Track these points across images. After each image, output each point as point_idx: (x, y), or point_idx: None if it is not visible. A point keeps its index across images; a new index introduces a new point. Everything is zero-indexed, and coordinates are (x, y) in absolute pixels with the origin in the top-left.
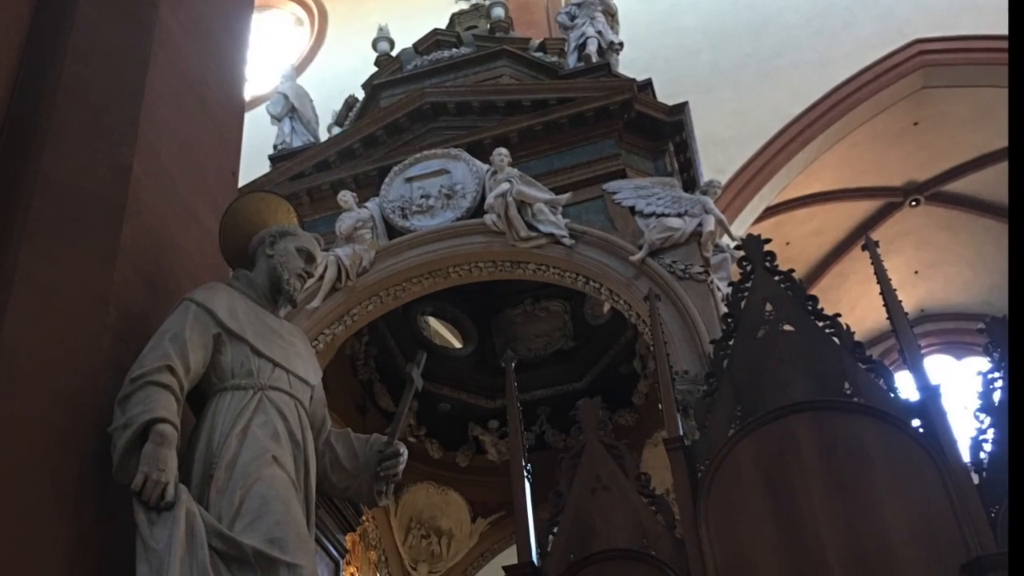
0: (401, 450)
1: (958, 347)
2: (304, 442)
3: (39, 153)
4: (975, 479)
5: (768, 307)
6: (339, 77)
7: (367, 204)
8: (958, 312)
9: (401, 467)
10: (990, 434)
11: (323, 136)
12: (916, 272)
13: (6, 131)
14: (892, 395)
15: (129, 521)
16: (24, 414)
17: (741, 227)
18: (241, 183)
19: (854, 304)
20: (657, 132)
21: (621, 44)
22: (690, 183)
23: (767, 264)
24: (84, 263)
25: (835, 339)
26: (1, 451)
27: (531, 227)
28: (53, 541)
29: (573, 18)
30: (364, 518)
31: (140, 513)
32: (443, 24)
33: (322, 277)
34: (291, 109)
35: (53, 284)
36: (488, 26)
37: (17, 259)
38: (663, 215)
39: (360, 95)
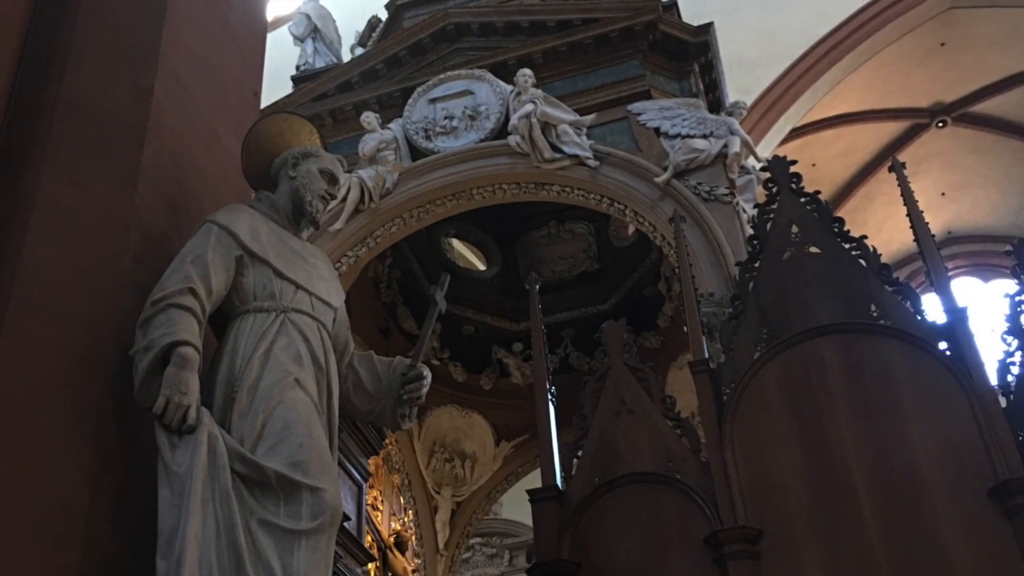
0: (424, 373)
1: (985, 269)
2: (327, 365)
3: (59, 76)
4: (1003, 402)
5: (794, 229)
6: None
7: (390, 125)
8: (985, 234)
9: (424, 390)
10: (1017, 357)
11: (346, 57)
12: (943, 194)
13: (26, 55)
14: (919, 318)
15: (151, 444)
16: (44, 337)
17: (767, 149)
18: (263, 105)
19: (880, 226)
20: (682, 53)
21: None
22: (715, 104)
23: (793, 186)
24: (105, 186)
25: (862, 261)
26: (22, 375)
27: (555, 148)
28: (74, 465)
29: None
30: (387, 442)
31: (162, 436)
32: None
33: (345, 199)
34: (313, 30)
35: (73, 207)
36: None
37: (37, 182)
38: (688, 136)
39: (383, 16)
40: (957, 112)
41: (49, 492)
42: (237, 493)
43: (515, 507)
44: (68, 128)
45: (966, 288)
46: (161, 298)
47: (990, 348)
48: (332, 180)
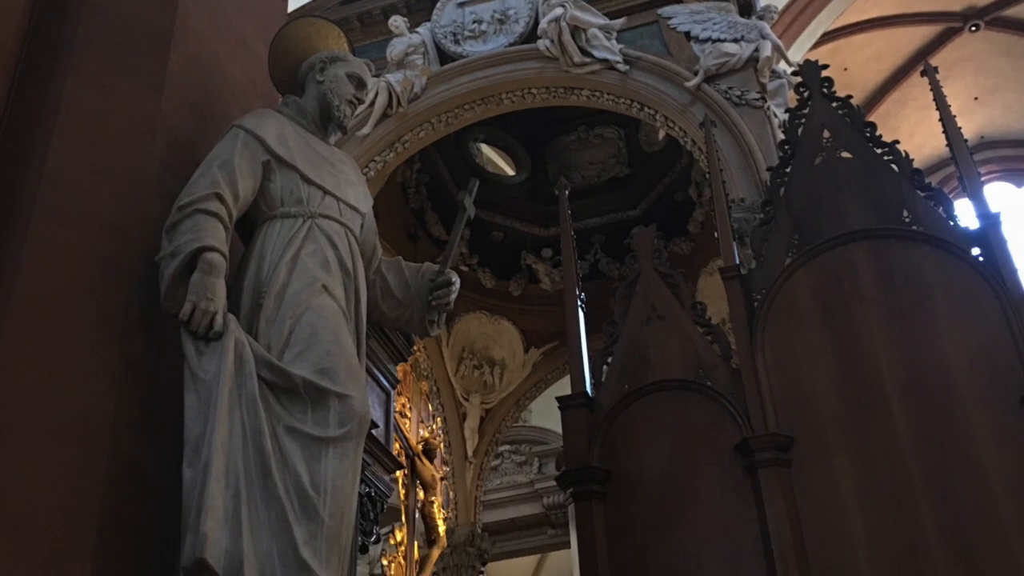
0: (453, 279)
1: (1018, 174)
2: (355, 270)
3: None
4: None
5: (826, 134)
6: None
7: (418, 29)
8: (1018, 139)
9: (453, 296)
10: None
11: None
12: (976, 98)
13: None
14: (951, 223)
15: (177, 351)
16: (71, 242)
17: (798, 53)
18: (290, 8)
19: (912, 131)
20: None
21: None
22: (746, 8)
23: (824, 90)
24: (131, 91)
25: (894, 166)
26: (49, 279)
27: (585, 52)
28: (100, 369)
29: None
30: (415, 348)
31: (188, 343)
32: None
33: (372, 103)
34: None
35: (99, 112)
36: None
37: (63, 87)
38: (719, 40)
39: None
40: (990, 16)
41: (74, 400)
42: (264, 400)
43: (544, 415)
44: (93, 32)
45: (999, 193)
46: (188, 203)
47: (1022, 255)
48: (360, 85)
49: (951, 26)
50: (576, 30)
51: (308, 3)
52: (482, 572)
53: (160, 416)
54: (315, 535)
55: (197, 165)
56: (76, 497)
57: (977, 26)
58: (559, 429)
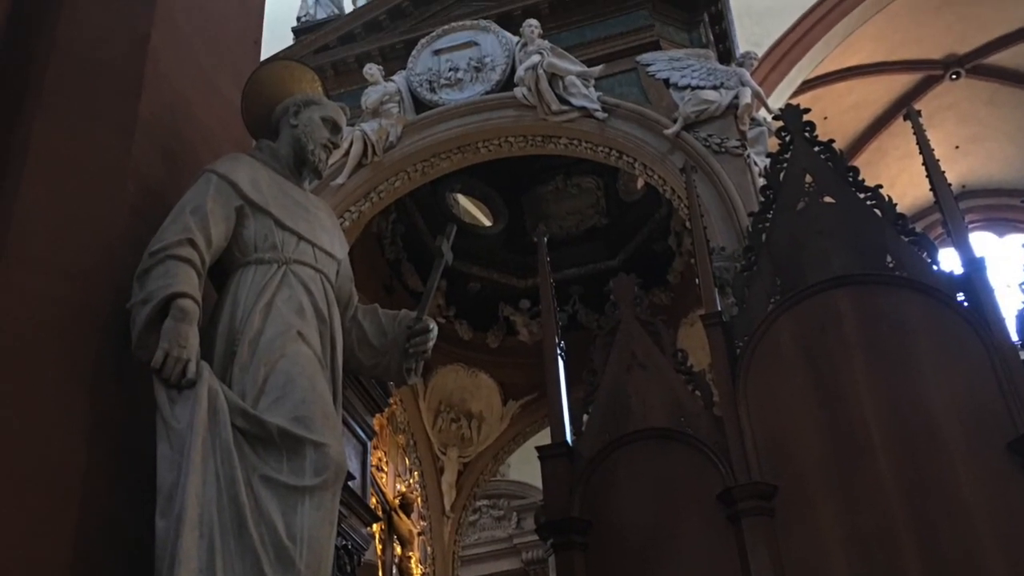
0: (431, 326)
1: (1000, 224)
2: (330, 317)
3: (53, 23)
4: (1022, 355)
5: (808, 178)
6: None
7: (394, 78)
8: (1000, 188)
9: (431, 343)
10: None
11: (348, 8)
12: (957, 147)
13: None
14: (936, 268)
15: (149, 399)
16: (39, 290)
17: (778, 101)
18: (263, 57)
19: (893, 180)
20: (692, 3)
21: None
22: (726, 55)
23: (807, 134)
24: (101, 136)
25: (877, 211)
26: (16, 328)
27: (563, 100)
28: (71, 422)
29: None
30: (392, 400)
31: (161, 391)
32: None
33: (347, 153)
34: None
35: (69, 157)
36: None
37: (31, 131)
38: (698, 87)
39: None
40: (971, 64)
41: (45, 450)
42: (239, 449)
43: (522, 468)
44: (63, 77)
45: (981, 243)
46: (159, 249)
47: (1005, 303)
48: (335, 128)
49: (932, 74)
50: (554, 78)
51: (282, 51)
52: None
53: (132, 465)
54: None
55: (168, 211)
56: (45, 548)
57: (958, 74)
58: (538, 483)
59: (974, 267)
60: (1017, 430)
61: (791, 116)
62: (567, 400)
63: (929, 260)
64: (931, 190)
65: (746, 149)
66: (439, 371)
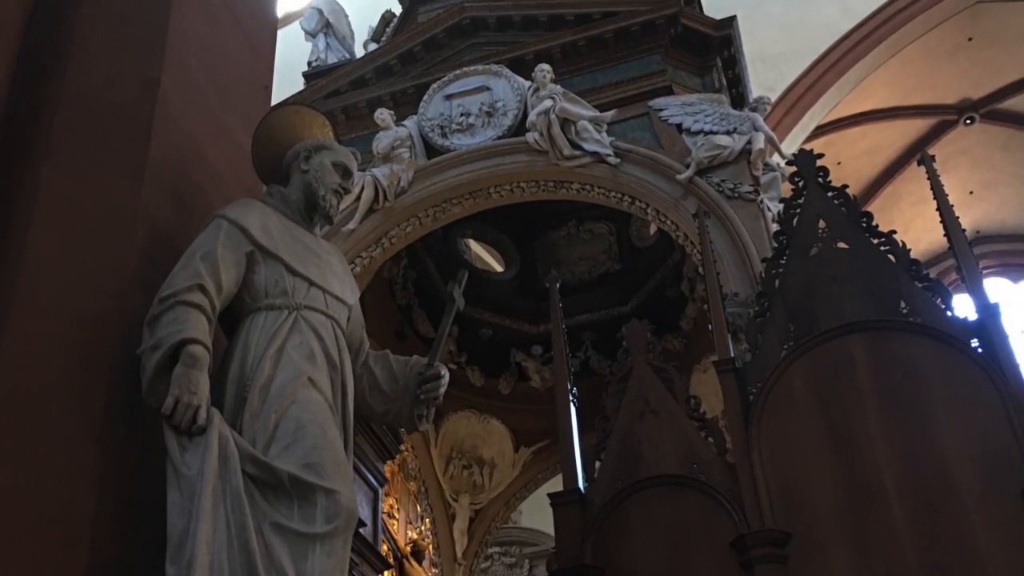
0: (442, 372)
1: (1015, 269)
2: (341, 363)
3: (63, 66)
4: None
5: (821, 224)
6: None
7: (405, 122)
8: (1014, 233)
9: (442, 390)
10: None
11: (359, 53)
12: (971, 192)
13: (28, 43)
14: (950, 315)
15: (159, 446)
16: (48, 336)
17: (791, 146)
18: (274, 101)
19: (907, 226)
20: (704, 47)
21: None
22: (738, 100)
23: (820, 180)
24: (111, 180)
25: (891, 257)
26: (26, 374)
27: (575, 145)
28: (80, 468)
29: None
30: (403, 447)
31: (171, 438)
32: None
33: (359, 198)
34: (326, 24)
35: (78, 202)
36: None
37: (40, 175)
38: (711, 132)
39: (397, 10)
40: (985, 108)
41: (54, 496)
42: (249, 496)
43: (534, 515)
44: (72, 120)
45: (995, 289)
46: (169, 295)
47: (1020, 349)
48: (346, 174)
49: (946, 119)
50: (566, 122)
51: (292, 96)
52: None
53: (142, 512)
54: None
55: (178, 256)
56: None
57: (972, 119)
58: (550, 530)
59: (988, 313)
60: None
61: (804, 161)
62: (579, 447)
63: (943, 306)
64: (945, 235)
65: (759, 194)
66: (451, 417)
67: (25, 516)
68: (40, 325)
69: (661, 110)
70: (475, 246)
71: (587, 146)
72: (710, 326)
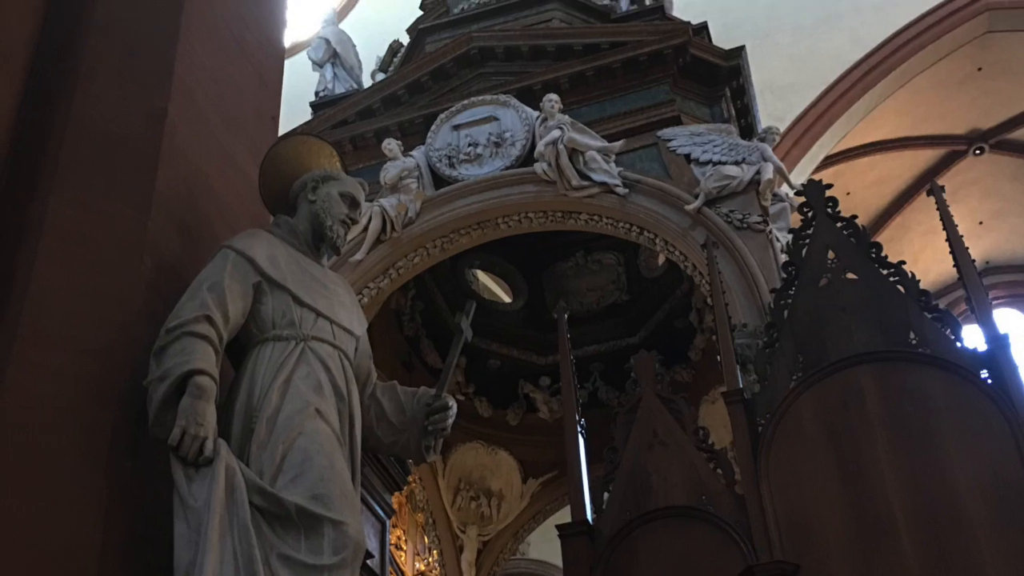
0: (450, 403)
1: None
2: (349, 395)
3: (70, 96)
4: None
5: (830, 255)
6: (383, 22)
7: (412, 153)
8: None
9: (450, 421)
10: None
11: (366, 83)
12: (981, 223)
13: (34, 75)
14: (959, 345)
15: (166, 478)
16: (55, 368)
17: (800, 177)
18: (281, 132)
19: (916, 257)
20: (713, 77)
21: None
22: (747, 130)
23: (829, 210)
24: (117, 211)
25: (900, 287)
26: (31, 407)
27: (583, 176)
28: (86, 500)
29: None
30: (411, 479)
31: (178, 469)
32: None
33: (366, 229)
34: (333, 55)
35: (84, 233)
36: None
37: (46, 206)
38: (720, 163)
39: (405, 40)
40: (995, 139)
41: (60, 528)
42: (256, 527)
43: (542, 546)
44: (79, 151)
45: (1005, 319)
46: (176, 326)
47: None
48: (353, 204)
49: (955, 149)
50: (574, 153)
51: (300, 126)
52: None
53: (149, 544)
54: None
55: (185, 287)
56: None
57: (982, 149)
58: (558, 561)
59: (998, 344)
60: None
61: (813, 192)
62: (588, 478)
63: (952, 337)
64: (955, 266)
65: (768, 225)
66: (458, 449)
67: (32, 549)
68: (46, 356)
69: (669, 140)
70: (483, 277)
71: (595, 176)
72: (719, 357)
